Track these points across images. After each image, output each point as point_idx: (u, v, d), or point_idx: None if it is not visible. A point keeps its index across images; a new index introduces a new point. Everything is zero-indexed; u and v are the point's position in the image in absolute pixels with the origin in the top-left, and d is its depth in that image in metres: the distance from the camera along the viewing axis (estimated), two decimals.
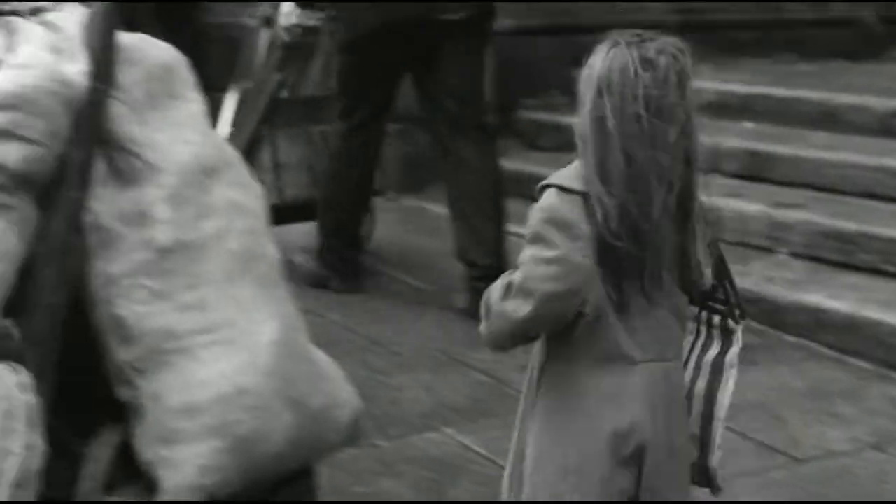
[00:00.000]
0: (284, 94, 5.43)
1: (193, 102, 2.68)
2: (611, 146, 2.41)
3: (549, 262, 2.46)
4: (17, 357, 2.37)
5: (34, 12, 2.66)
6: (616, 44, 2.47)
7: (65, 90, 2.44)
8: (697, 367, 2.72)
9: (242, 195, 2.64)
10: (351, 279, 5.72)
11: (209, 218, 2.54)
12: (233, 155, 2.71)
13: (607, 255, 2.44)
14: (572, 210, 2.45)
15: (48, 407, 2.38)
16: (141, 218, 2.49)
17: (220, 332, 2.49)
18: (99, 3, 2.59)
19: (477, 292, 3.03)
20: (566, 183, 2.47)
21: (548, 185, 2.49)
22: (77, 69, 2.49)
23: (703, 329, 2.74)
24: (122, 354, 2.47)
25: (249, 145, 4.85)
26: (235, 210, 2.59)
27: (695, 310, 2.70)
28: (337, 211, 5.67)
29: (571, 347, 2.55)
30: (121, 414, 2.51)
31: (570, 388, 2.57)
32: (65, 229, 2.46)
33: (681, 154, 2.46)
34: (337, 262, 5.67)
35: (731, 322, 2.71)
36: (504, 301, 2.54)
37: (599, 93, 2.44)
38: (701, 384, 2.71)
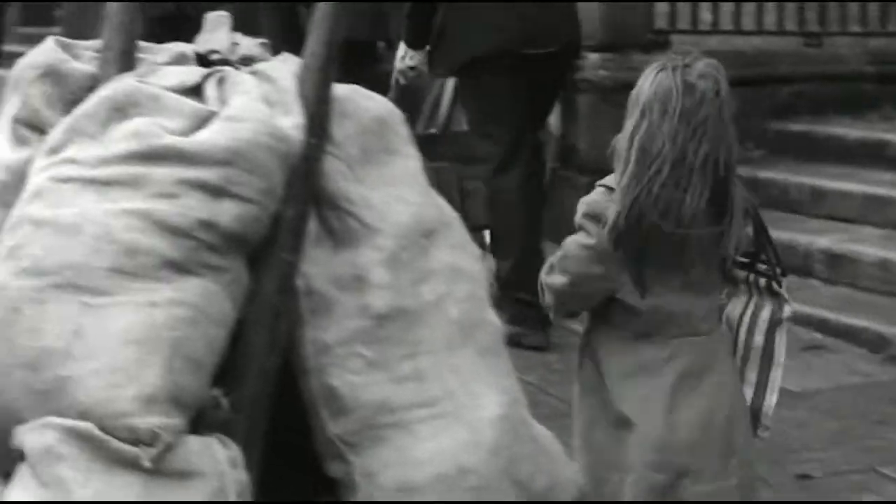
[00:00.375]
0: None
1: (410, 158, 2.52)
2: (648, 160, 2.85)
3: (585, 248, 2.97)
4: (225, 428, 2.22)
5: (244, 61, 2.54)
6: (663, 68, 2.88)
7: (280, 145, 2.30)
8: (752, 325, 3.10)
9: (461, 258, 2.47)
10: (539, 332, 5.38)
11: (428, 283, 2.37)
12: (451, 215, 2.54)
13: (632, 242, 2.88)
14: (609, 207, 2.91)
15: (256, 480, 2.23)
16: (356, 282, 2.33)
17: (440, 406, 2.32)
18: (314, 54, 2.45)
19: None
20: (610, 182, 2.95)
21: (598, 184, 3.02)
22: (292, 122, 2.34)
23: (755, 291, 3.10)
24: (334, 427, 2.31)
25: None
26: (455, 274, 2.42)
27: (743, 274, 3.07)
28: (513, 260, 5.44)
29: (609, 326, 3.03)
30: (331, 490, 2.34)
31: (605, 352, 3.03)
32: (276, 292, 2.31)
33: (715, 161, 2.86)
34: (521, 316, 5.26)
35: (775, 284, 3.08)
36: (548, 276, 3.07)
37: (643, 114, 2.87)
38: (759, 338, 3.09)
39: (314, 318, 2.32)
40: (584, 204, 3.01)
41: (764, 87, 7.32)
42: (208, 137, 2.27)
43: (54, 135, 2.36)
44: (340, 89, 2.48)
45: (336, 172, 2.38)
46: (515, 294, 5.27)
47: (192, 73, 2.46)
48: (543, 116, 5.71)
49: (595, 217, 2.95)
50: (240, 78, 2.43)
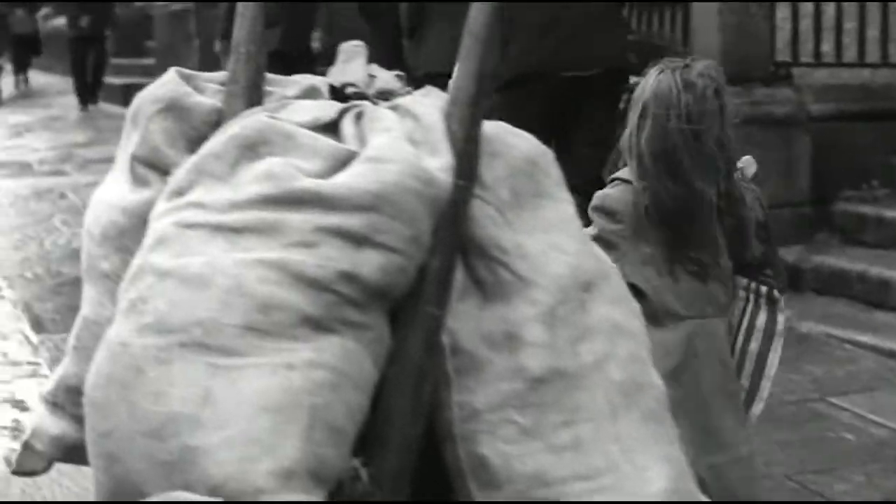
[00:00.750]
0: None
1: (564, 202, 2.30)
2: (662, 157, 3.02)
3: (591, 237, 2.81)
4: (364, 502, 2.00)
5: (383, 95, 2.33)
6: (663, 70, 3.06)
7: (427, 189, 2.07)
8: (749, 331, 3.25)
9: (621, 314, 2.23)
10: None
11: (587, 341, 2.14)
12: (609, 266, 2.30)
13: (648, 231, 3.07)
14: (619, 200, 3.09)
15: None
16: (509, 340, 2.10)
17: (601, 479, 2.08)
18: (462, 87, 2.23)
19: None
20: (625, 175, 3.12)
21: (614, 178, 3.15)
22: (439, 164, 2.12)
23: (752, 297, 3.24)
24: (484, 500, 2.08)
25: None
26: (616, 332, 2.18)
27: (745, 281, 3.24)
28: None
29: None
30: None
31: None
32: (421, 351, 2.09)
33: (717, 155, 3.03)
34: None
35: (775, 292, 3.24)
36: None
37: (643, 114, 3.04)
38: (754, 346, 3.24)
39: (461, 379, 2.10)
40: (596, 198, 3.17)
41: (890, 122, 7.02)
42: (349, 180, 2.05)
43: (178, 175, 2.16)
44: (487, 126, 2.27)
45: (486, 218, 2.16)
46: None
47: (327, 109, 2.25)
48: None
49: (601, 209, 3.13)
50: (380, 114, 2.22)
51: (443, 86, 3.30)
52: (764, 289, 3.26)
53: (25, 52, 23.92)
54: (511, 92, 4.93)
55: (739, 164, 3.20)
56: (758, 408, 3.27)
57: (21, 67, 23.98)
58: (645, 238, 3.09)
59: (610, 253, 2.62)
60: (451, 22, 3.94)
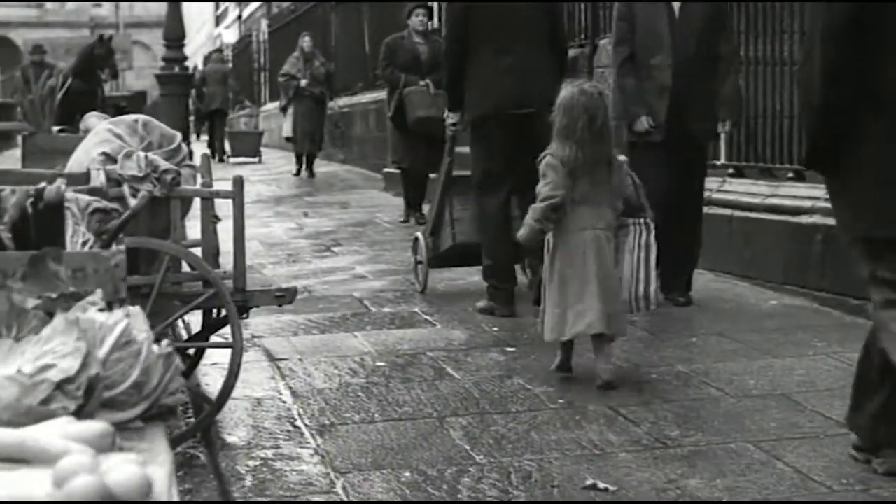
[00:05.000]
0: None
1: None
2: (571, 139, 5.74)
3: (548, 183, 5.75)
4: None
5: None
6: (569, 83, 5.91)
7: None
8: (636, 243, 5.87)
9: None
10: (506, 307, 7.51)
11: None
12: None
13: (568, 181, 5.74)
14: (548, 163, 5.78)
15: None
16: None
17: None
18: None
19: None
20: (551, 150, 5.81)
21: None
22: None
23: (638, 225, 5.88)
24: None
25: (440, 207, 8.18)
26: None
27: (631, 220, 5.88)
28: (497, 257, 7.62)
29: (563, 223, 5.77)
30: None
31: (562, 244, 5.79)
32: None
33: (603, 134, 5.78)
34: (495, 295, 7.58)
35: (651, 223, 5.91)
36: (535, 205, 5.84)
37: (559, 111, 5.79)
38: (641, 254, 5.88)
39: None
40: (544, 164, 5.83)
41: None
42: None
43: None
44: None
45: None
46: (491, 282, 7.62)
47: None
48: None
49: (552, 166, 5.79)
50: None
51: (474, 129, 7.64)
52: (643, 221, 5.90)
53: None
54: (478, 131, 7.67)
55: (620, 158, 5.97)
56: (653, 288, 5.95)
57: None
58: (566, 181, 5.73)
59: (549, 188, 5.73)
60: (473, 88, 7.69)
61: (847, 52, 4.07)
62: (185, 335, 6.66)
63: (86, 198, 2.74)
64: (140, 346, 2.28)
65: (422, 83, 11.79)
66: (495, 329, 6.99)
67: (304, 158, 18.71)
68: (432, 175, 10.85)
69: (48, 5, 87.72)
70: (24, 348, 2.27)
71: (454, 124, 7.92)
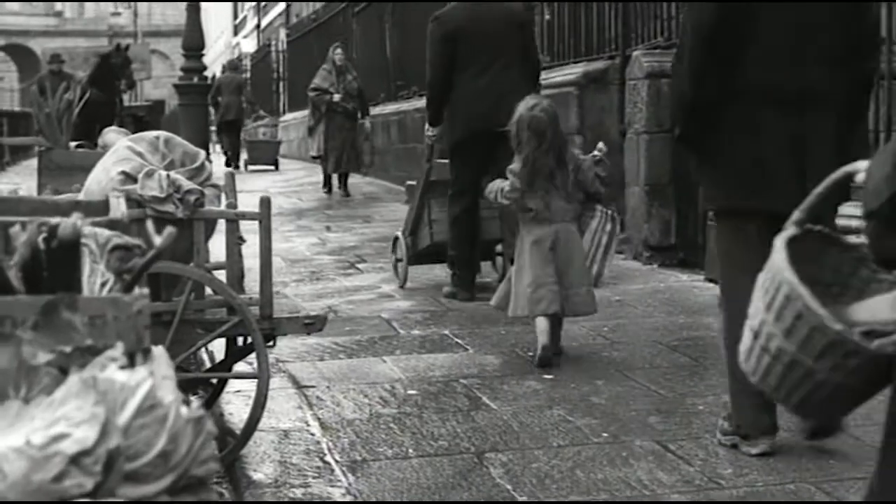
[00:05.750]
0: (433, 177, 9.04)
1: None
2: (521, 153, 6.56)
3: (511, 185, 6.57)
4: None
5: None
6: (525, 101, 6.60)
7: None
8: (601, 232, 6.90)
9: None
10: (467, 291, 8.61)
11: None
12: None
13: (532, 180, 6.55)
14: (513, 170, 6.58)
15: None
16: None
17: None
18: None
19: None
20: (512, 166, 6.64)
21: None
22: None
23: (604, 216, 6.89)
24: None
25: (419, 209, 9.09)
26: None
27: (600, 207, 6.91)
28: (461, 251, 8.75)
29: (525, 217, 6.60)
30: None
31: (530, 234, 6.57)
32: None
33: (557, 143, 6.55)
34: (457, 281, 8.72)
35: (615, 214, 7.05)
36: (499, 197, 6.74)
37: (515, 128, 6.58)
38: (604, 240, 6.91)
39: None
40: (508, 169, 6.66)
41: None
42: None
43: None
44: None
45: None
46: (454, 270, 8.75)
47: None
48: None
49: (510, 171, 6.62)
50: None
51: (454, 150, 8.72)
52: (609, 212, 6.98)
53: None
54: (459, 150, 8.66)
55: (597, 150, 6.73)
56: (604, 268, 7.16)
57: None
58: (535, 181, 6.54)
59: (515, 193, 6.56)
60: (457, 112, 8.67)
61: (714, 51, 4.83)
62: (207, 361, 6.37)
63: (105, 233, 2.45)
64: (167, 409, 1.99)
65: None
66: (530, 354, 6.68)
67: (337, 178, 17.59)
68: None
69: (67, 14, 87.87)
70: (33, 412, 1.98)
71: (433, 136, 8.88)
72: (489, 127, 8.10)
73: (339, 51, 17.30)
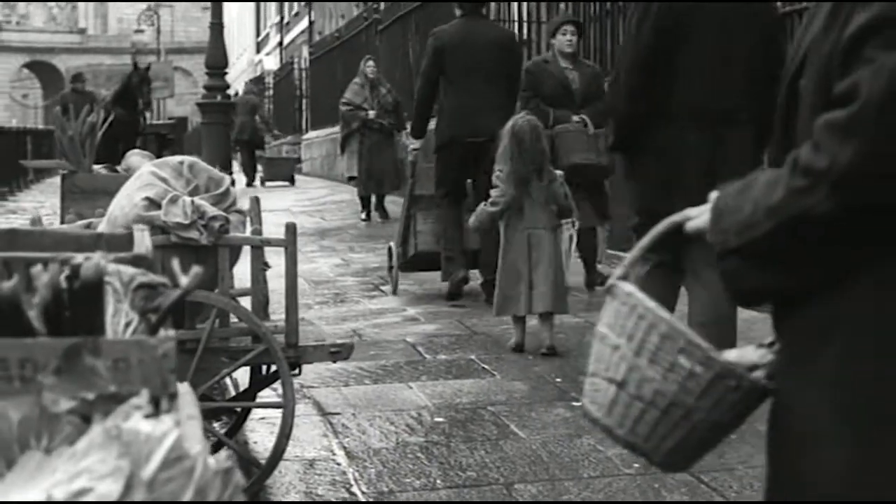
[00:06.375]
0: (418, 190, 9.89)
1: None
2: (514, 159, 7.42)
3: (498, 193, 7.43)
4: None
5: None
6: (511, 121, 7.63)
7: None
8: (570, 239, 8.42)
9: None
10: (462, 267, 9.40)
11: None
12: None
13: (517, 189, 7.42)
14: (499, 177, 7.46)
15: None
16: None
17: None
18: None
19: None
20: (498, 167, 7.53)
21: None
22: None
23: (570, 226, 8.27)
24: None
25: (405, 221, 9.76)
26: None
27: (572, 219, 8.16)
28: (449, 232, 9.47)
29: (510, 225, 7.40)
30: None
31: (511, 241, 7.41)
32: None
33: (536, 154, 7.43)
34: (452, 264, 9.42)
35: (577, 222, 8.54)
36: (487, 208, 7.55)
37: (502, 138, 7.55)
38: (568, 244, 8.28)
39: None
40: (494, 176, 7.49)
41: None
42: None
43: None
44: None
45: None
46: (447, 254, 9.48)
47: None
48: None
49: (497, 178, 7.42)
50: None
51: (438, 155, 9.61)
52: (575, 222, 8.28)
53: None
54: (442, 152, 9.47)
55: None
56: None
57: None
58: (515, 192, 7.34)
59: (497, 193, 7.43)
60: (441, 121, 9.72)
61: (648, 73, 5.64)
62: (231, 388, 6.29)
63: (129, 271, 2.37)
64: (194, 461, 1.89)
65: (575, 119, 9.48)
66: (558, 380, 6.59)
67: (373, 200, 16.43)
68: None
69: (90, 31, 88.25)
70: (55, 464, 1.89)
71: (415, 150, 9.83)
72: (470, 136, 9.05)
73: (370, 63, 16.26)
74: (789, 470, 2.22)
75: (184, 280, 2.26)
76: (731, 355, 2.40)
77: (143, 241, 2.83)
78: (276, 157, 26.62)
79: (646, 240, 2.49)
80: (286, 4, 51.84)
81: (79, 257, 2.27)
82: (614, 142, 6.07)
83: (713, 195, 2.31)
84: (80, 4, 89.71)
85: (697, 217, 2.35)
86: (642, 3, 5.81)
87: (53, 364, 2.07)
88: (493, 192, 7.47)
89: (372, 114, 15.70)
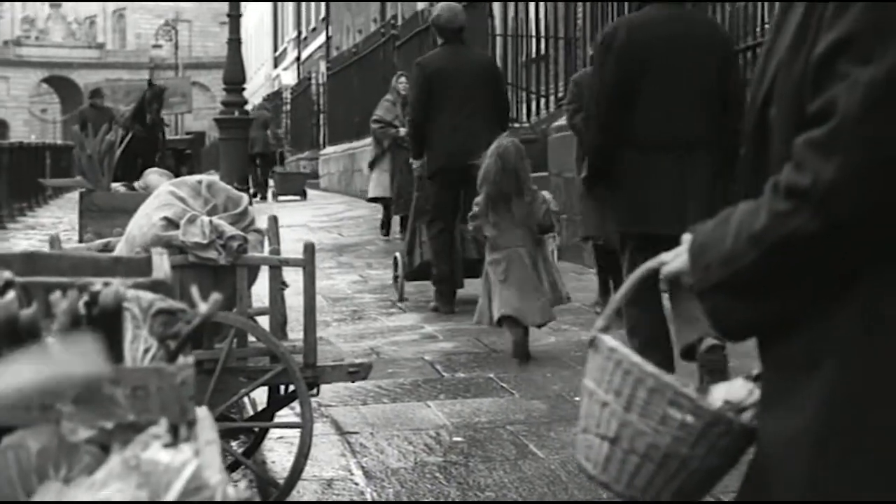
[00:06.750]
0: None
1: None
2: (491, 184, 7.76)
3: (477, 215, 7.86)
4: None
5: None
6: (497, 142, 7.90)
7: None
8: (546, 251, 8.11)
9: None
10: (449, 305, 9.83)
11: None
12: None
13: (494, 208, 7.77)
14: (478, 201, 7.88)
15: None
16: None
17: None
18: None
19: None
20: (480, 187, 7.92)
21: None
22: None
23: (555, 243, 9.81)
24: None
25: (412, 233, 10.48)
26: None
27: (552, 235, 8.78)
28: (440, 268, 9.89)
29: (493, 242, 7.78)
30: None
31: (490, 257, 7.82)
32: None
33: (518, 173, 7.77)
34: (441, 297, 9.88)
35: (557, 236, 10.33)
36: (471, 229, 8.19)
37: (494, 160, 7.78)
38: (550, 257, 8.24)
39: None
40: (474, 202, 7.92)
41: None
42: None
43: None
44: None
45: None
46: (438, 287, 9.92)
47: None
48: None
49: (476, 202, 7.85)
50: None
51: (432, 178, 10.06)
52: (556, 236, 9.73)
53: None
54: (436, 177, 9.84)
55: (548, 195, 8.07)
56: (566, 290, 8.02)
57: None
58: (492, 214, 7.72)
59: (480, 221, 7.82)
60: (433, 145, 10.00)
61: (616, 107, 6.20)
62: (249, 407, 6.28)
63: (148, 297, 2.36)
64: (213, 491, 1.88)
65: None
66: (577, 399, 6.54)
67: (399, 220, 15.05)
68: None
69: (108, 46, 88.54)
70: (74, 493, 1.88)
71: (419, 168, 10.14)
72: (460, 160, 9.24)
73: (402, 79, 15.27)
74: (763, 493, 2.18)
75: (203, 306, 2.25)
76: (719, 391, 2.38)
77: (162, 266, 2.82)
78: (288, 171, 26.79)
79: (623, 289, 2.48)
80: (303, 19, 51.95)
81: (97, 283, 2.26)
82: (589, 171, 6.72)
83: (686, 237, 2.26)
84: (99, 20, 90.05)
85: (673, 260, 2.30)
86: (605, 39, 6.39)
87: (72, 392, 2.05)
88: (474, 211, 7.89)
89: (403, 131, 14.62)
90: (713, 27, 6.92)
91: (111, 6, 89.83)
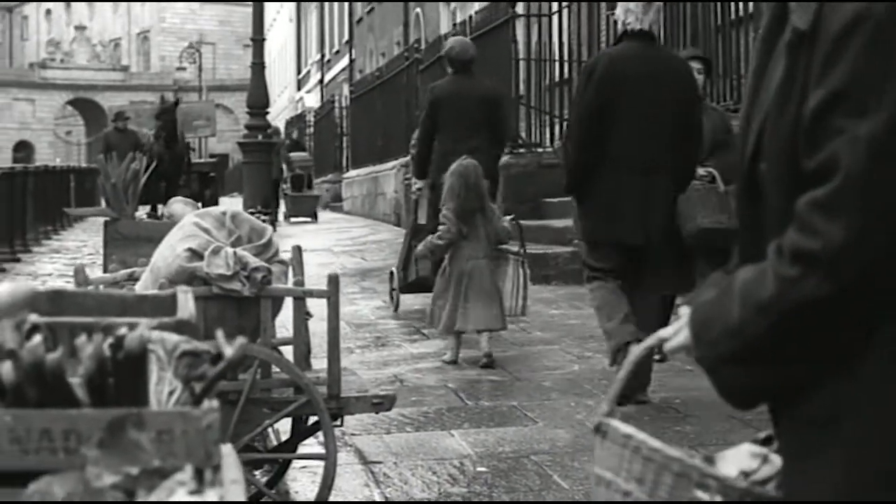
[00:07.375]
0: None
1: None
2: (457, 200, 8.63)
3: (445, 229, 8.59)
4: None
5: None
6: (456, 163, 8.82)
7: None
8: (516, 275, 8.93)
9: None
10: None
11: None
12: None
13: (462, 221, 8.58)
14: (445, 216, 8.62)
15: None
16: None
17: None
18: None
19: None
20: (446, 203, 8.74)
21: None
22: None
23: (517, 261, 8.99)
24: None
25: (407, 248, 10.88)
26: None
27: (514, 252, 9.18)
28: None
29: (455, 254, 8.60)
30: None
31: (455, 269, 8.57)
32: None
33: (479, 191, 8.68)
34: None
35: (525, 261, 9.14)
36: (434, 240, 8.74)
37: (447, 178, 8.79)
38: (521, 281, 8.95)
39: None
40: (443, 216, 8.59)
41: None
42: None
43: None
44: None
45: None
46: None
47: None
48: None
49: (446, 218, 8.56)
50: None
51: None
52: (520, 259, 8.97)
53: None
54: (435, 190, 9.97)
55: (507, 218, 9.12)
56: (526, 303, 9.02)
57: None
58: (458, 227, 8.49)
59: (452, 234, 8.57)
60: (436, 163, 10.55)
61: (592, 130, 7.06)
62: (272, 437, 6.27)
63: (173, 338, 2.35)
64: None
65: (701, 172, 7.65)
66: None
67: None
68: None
69: (133, 69, 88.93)
70: None
71: (418, 189, 11.00)
72: None
73: None
74: None
75: (228, 350, 2.25)
76: (728, 461, 2.34)
77: (187, 306, 2.82)
78: (299, 194, 27.03)
79: (623, 372, 2.45)
80: (327, 42, 52.10)
81: (122, 327, 2.26)
82: (566, 185, 7.42)
83: (684, 310, 2.22)
84: (123, 42, 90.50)
85: (674, 336, 2.24)
86: (588, 68, 7.30)
87: (97, 436, 2.05)
88: (440, 228, 8.61)
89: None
90: (682, 66, 7.54)
91: (136, 28, 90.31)
